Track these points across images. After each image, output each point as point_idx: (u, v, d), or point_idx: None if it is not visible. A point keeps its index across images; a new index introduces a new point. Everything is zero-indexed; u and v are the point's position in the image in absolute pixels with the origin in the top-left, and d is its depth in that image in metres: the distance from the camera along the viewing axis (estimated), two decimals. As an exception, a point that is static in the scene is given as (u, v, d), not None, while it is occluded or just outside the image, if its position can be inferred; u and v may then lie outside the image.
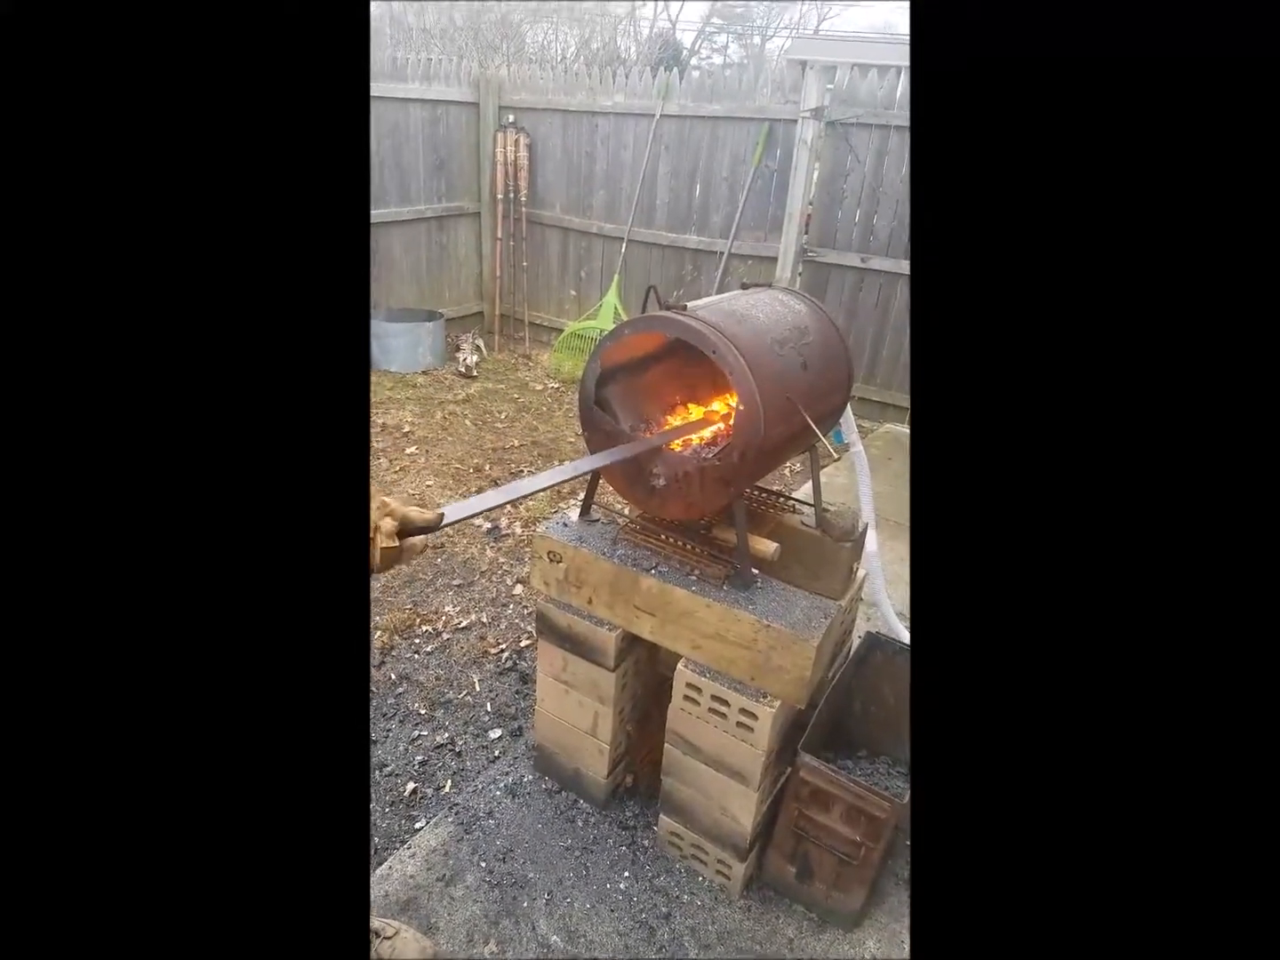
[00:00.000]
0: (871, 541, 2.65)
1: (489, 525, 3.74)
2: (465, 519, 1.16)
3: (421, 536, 1.10)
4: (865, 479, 2.77)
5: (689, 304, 1.65)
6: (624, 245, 6.00)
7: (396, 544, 1.04)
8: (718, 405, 1.94)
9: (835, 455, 1.71)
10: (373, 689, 2.65)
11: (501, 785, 2.25)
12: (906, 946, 1.83)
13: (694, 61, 18.49)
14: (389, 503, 1.05)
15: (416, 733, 2.48)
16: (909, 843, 1.95)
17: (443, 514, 1.10)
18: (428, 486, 4.10)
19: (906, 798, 1.68)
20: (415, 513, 1.07)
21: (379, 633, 2.91)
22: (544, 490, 1.36)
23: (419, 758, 2.38)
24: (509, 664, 2.83)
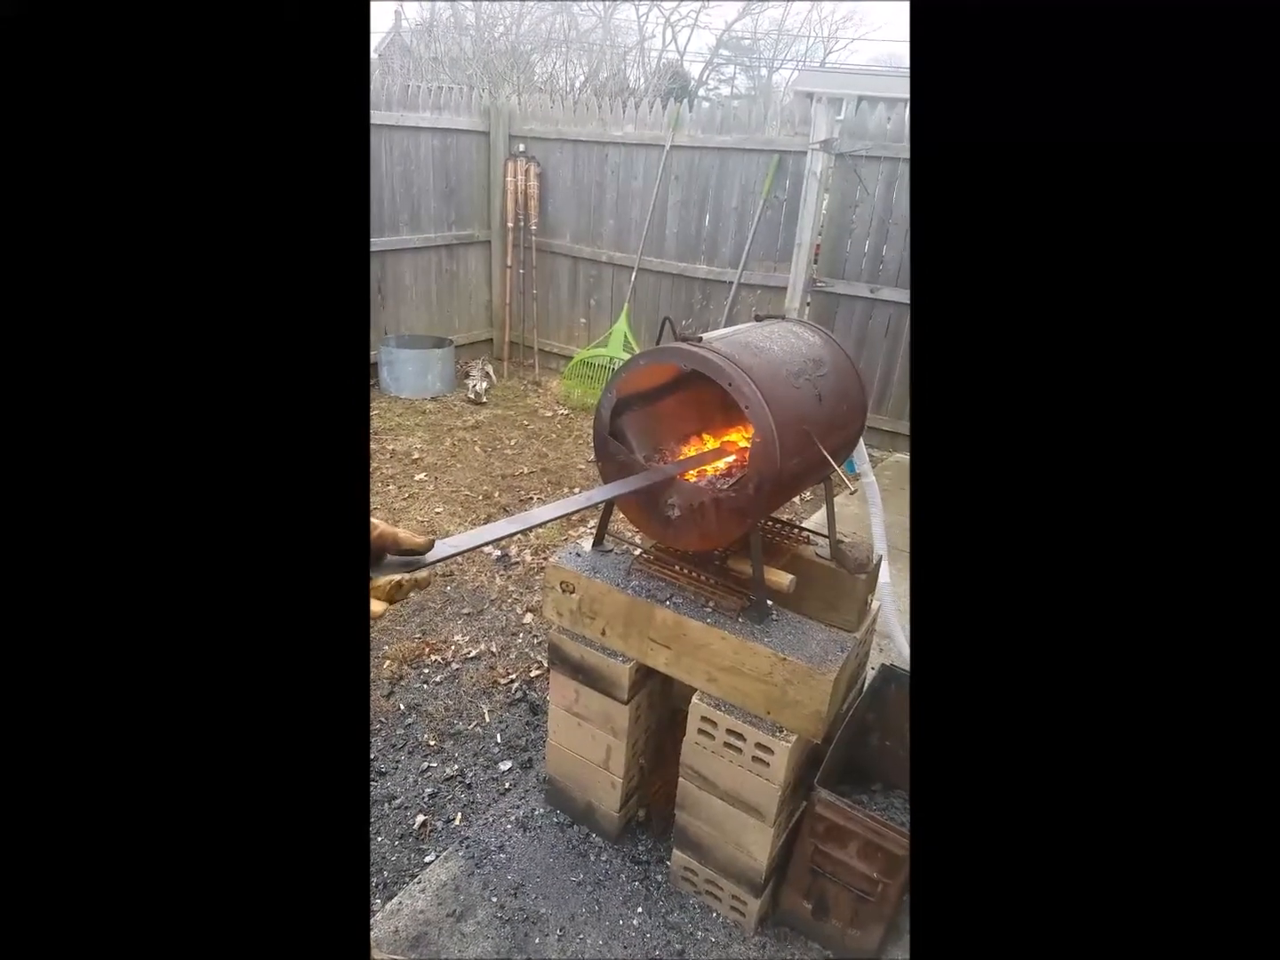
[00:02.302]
0: (884, 573, 2.64)
1: (499, 553, 3.73)
2: (467, 551, 1.08)
3: (425, 571, 0.99)
4: (877, 509, 2.77)
5: (704, 335, 1.65)
6: (634, 274, 6.04)
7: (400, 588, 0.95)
8: (733, 436, 1.93)
9: (851, 488, 1.70)
10: (382, 719, 2.63)
11: (512, 818, 2.23)
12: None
13: (701, 92, 18.72)
14: (376, 524, 0.95)
15: (426, 764, 2.46)
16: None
17: (432, 540, 0.99)
18: (436, 513, 4.10)
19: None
20: (404, 534, 0.97)
21: (388, 662, 2.90)
22: (555, 520, 1.34)
23: (428, 790, 2.36)
24: (519, 695, 2.81)
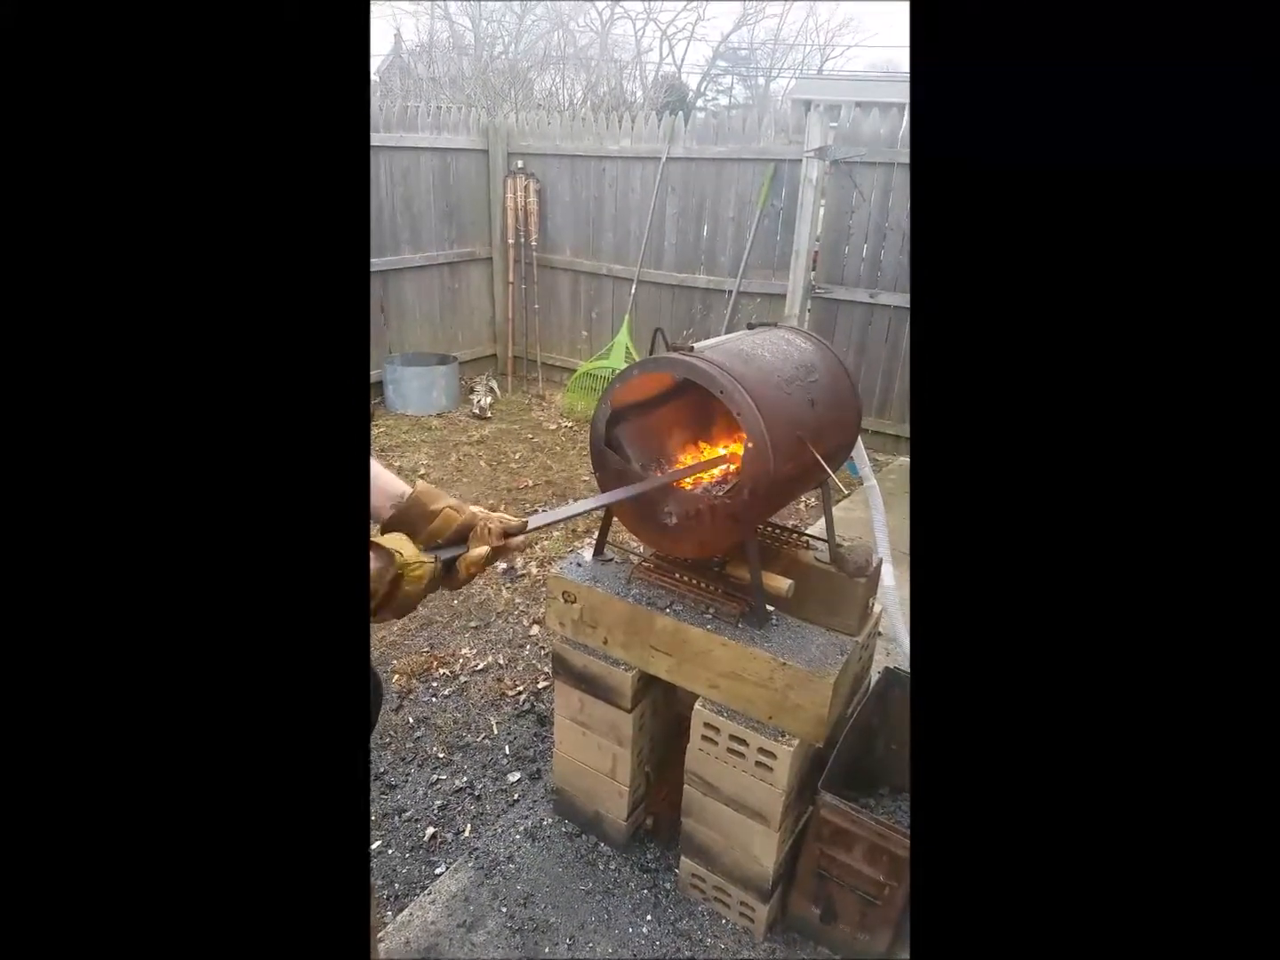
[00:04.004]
0: (888, 576, 2.65)
1: (504, 566, 3.75)
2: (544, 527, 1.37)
3: (520, 537, 1.23)
4: (879, 513, 2.77)
5: (696, 345, 1.67)
6: (634, 286, 6.07)
7: (503, 542, 1.20)
8: (727, 444, 1.95)
9: (844, 491, 1.72)
10: (391, 733, 2.65)
11: (521, 829, 2.24)
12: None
13: (700, 103, 18.81)
14: (489, 516, 1.21)
15: (435, 776, 2.48)
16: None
17: (526, 521, 1.25)
18: (443, 529, 4.11)
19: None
20: (509, 520, 1.23)
21: (396, 676, 2.92)
22: (563, 521, 1.54)
23: (438, 802, 2.37)
24: (526, 706, 2.82)
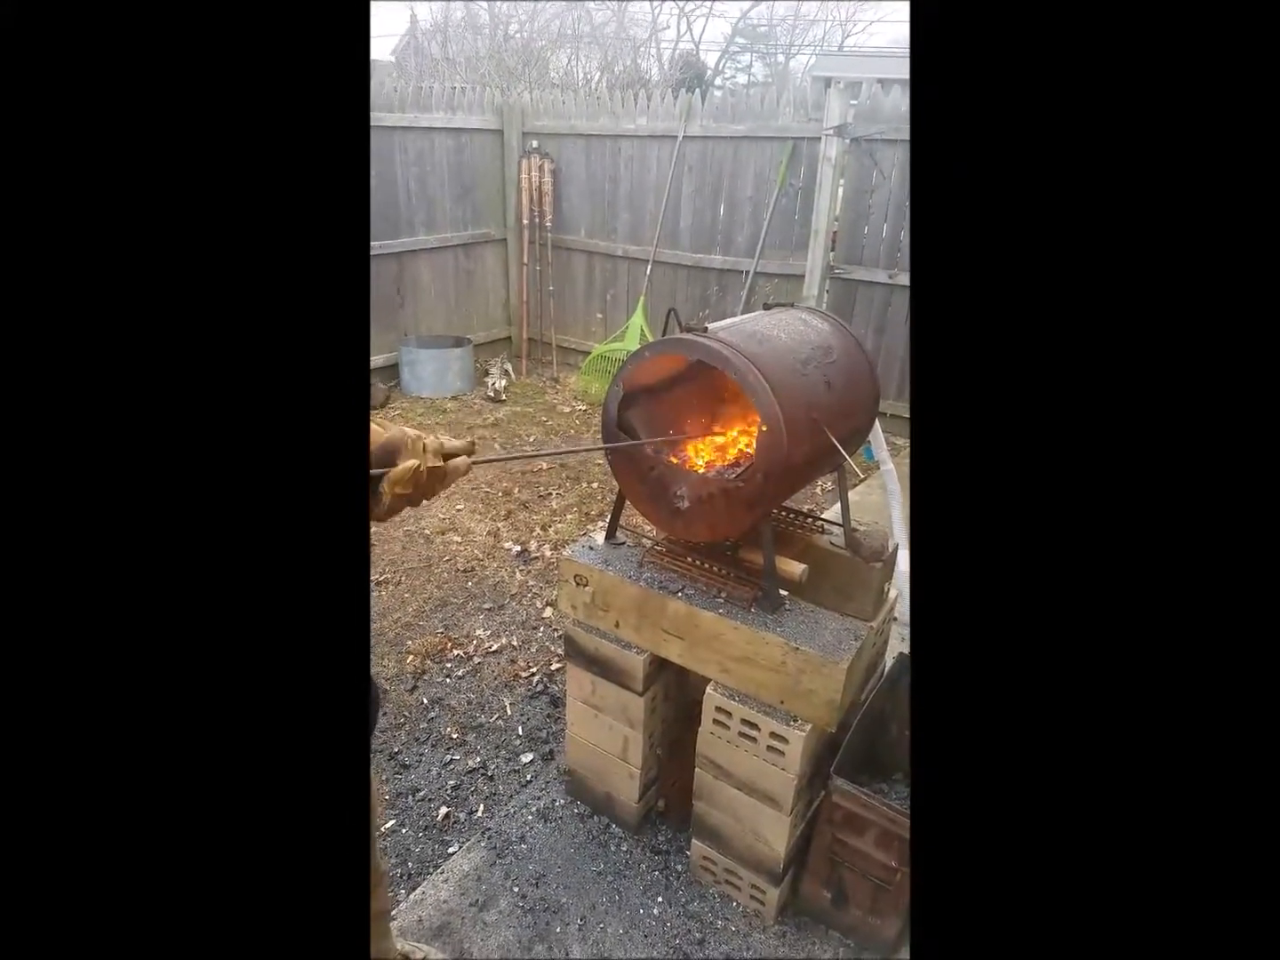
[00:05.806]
0: (904, 561, 2.63)
1: (518, 549, 3.76)
2: (493, 461, 1.44)
3: (463, 457, 1.12)
4: (896, 497, 2.75)
5: (710, 325, 1.65)
6: (649, 267, 6.04)
7: (441, 463, 1.07)
8: (742, 426, 1.93)
9: (860, 475, 1.70)
10: (406, 714, 2.66)
11: (533, 809, 2.25)
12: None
13: (718, 81, 18.59)
14: (423, 435, 1.08)
15: (449, 757, 2.49)
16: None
17: (472, 442, 1.16)
18: (458, 510, 4.13)
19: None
20: (449, 441, 1.12)
21: (411, 657, 2.93)
22: (569, 455, 1.56)
23: (451, 782, 2.39)
24: (540, 687, 2.83)
